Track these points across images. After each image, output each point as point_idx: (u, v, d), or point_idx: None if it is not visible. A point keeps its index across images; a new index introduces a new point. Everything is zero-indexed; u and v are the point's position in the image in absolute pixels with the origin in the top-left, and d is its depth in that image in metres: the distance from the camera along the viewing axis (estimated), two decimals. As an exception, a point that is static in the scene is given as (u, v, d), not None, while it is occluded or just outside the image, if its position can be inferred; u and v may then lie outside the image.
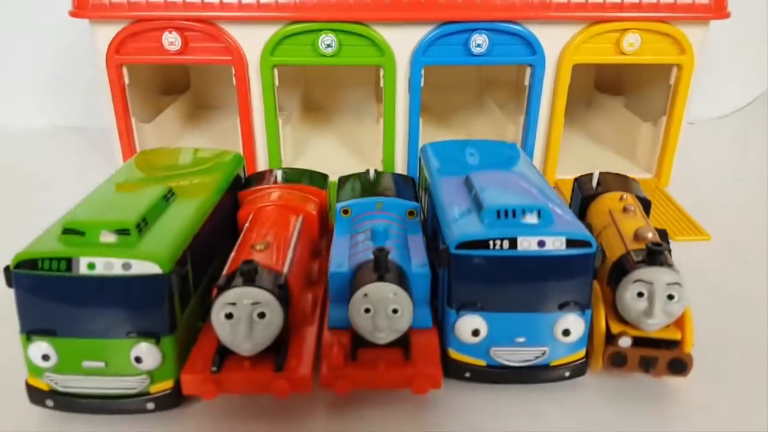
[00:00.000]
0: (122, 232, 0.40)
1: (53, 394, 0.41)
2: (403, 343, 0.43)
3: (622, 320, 0.45)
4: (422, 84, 0.73)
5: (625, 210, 0.52)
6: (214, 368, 0.41)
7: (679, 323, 0.44)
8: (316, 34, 0.69)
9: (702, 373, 0.46)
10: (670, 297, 0.43)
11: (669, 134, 0.77)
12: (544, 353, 0.44)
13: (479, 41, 0.70)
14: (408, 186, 0.58)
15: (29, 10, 1.00)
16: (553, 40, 0.72)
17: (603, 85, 0.98)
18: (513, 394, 0.45)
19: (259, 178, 0.59)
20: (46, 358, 0.40)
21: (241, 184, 0.59)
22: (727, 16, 0.71)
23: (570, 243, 0.42)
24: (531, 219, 0.44)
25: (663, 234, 0.51)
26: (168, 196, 0.47)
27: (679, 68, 0.73)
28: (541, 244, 0.42)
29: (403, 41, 0.71)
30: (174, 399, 0.42)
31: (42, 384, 0.41)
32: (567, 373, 0.45)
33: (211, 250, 0.49)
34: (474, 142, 0.64)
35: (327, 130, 0.93)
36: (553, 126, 0.76)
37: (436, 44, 0.71)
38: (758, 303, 0.56)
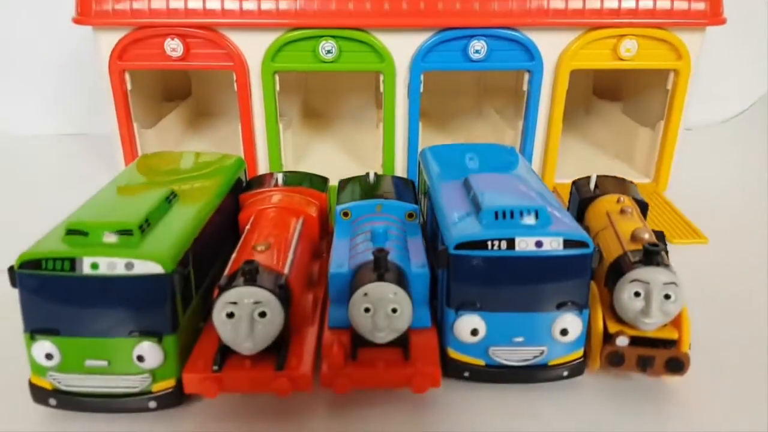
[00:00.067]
0: (125, 232, 0.41)
1: (56, 393, 0.42)
2: (402, 342, 0.43)
3: (620, 320, 0.45)
4: (422, 90, 0.73)
5: (622, 212, 0.53)
6: (216, 367, 0.41)
7: (676, 323, 0.45)
8: (317, 40, 0.70)
9: (699, 372, 0.46)
10: (667, 296, 0.43)
11: (666, 139, 0.78)
12: (542, 353, 0.45)
13: (478, 47, 0.71)
14: (407, 189, 0.58)
15: (33, 17, 1.01)
16: (551, 46, 0.73)
17: (601, 92, 0.99)
18: (511, 394, 0.45)
19: (260, 181, 0.60)
20: (49, 357, 0.41)
21: (242, 188, 0.59)
22: (722, 22, 0.72)
23: (567, 243, 0.43)
24: (529, 220, 0.44)
25: (660, 235, 0.51)
26: (170, 198, 0.48)
27: (676, 73, 0.74)
28: (539, 244, 0.43)
29: (402, 47, 0.72)
30: (176, 398, 0.42)
31: (45, 383, 0.42)
32: (565, 373, 0.46)
33: (213, 252, 0.50)
34: (473, 146, 0.64)
35: (327, 136, 0.94)
36: (552, 131, 0.77)
37: (435, 50, 0.71)
38: (755, 305, 0.57)
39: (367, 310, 0.41)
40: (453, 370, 0.45)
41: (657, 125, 0.79)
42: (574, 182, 0.61)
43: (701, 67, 0.76)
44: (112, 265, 0.39)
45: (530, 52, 0.72)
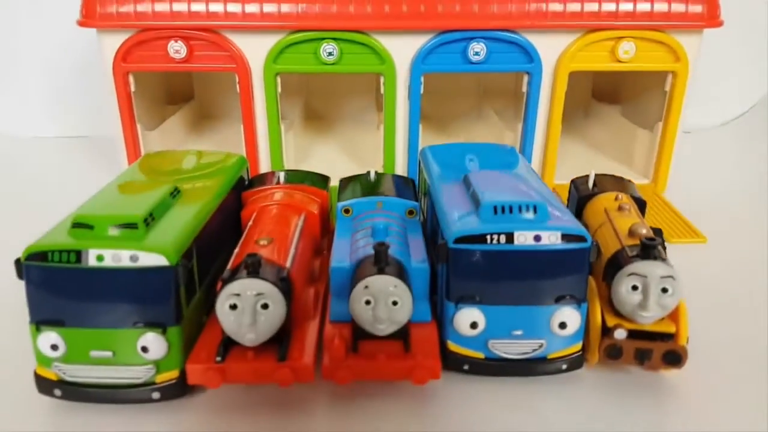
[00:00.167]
0: (130, 225, 0.42)
1: (61, 383, 0.42)
2: (402, 335, 0.44)
3: (618, 314, 0.46)
4: (422, 91, 0.74)
5: (620, 209, 0.53)
6: (219, 358, 0.42)
7: (674, 316, 0.45)
8: (318, 42, 0.71)
9: (697, 368, 0.47)
10: (664, 290, 0.44)
11: (665, 140, 0.79)
12: (541, 346, 0.45)
13: (477, 49, 0.72)
14: (408, 186, 0.59)
15: (37, 19, 1.02)
16: (550, 48, 0.73)
17: (600, 94, 1.00)
18: (511, 386, 0.46)
19: (262, 179, 0.61)
20: (54, 348, 0.41)
21: (244, 185, 0.60)
22: (719, 24, 0.73)
23: (565, 237, 0.44)
24: (527, 215, 0.45)
25: (657, 232, 0.52)
26: (174, 194, 0.48)
27: (674, 75, 0.75)
28: (537, 238, 0.43)
29: (402, 49, 0.72)
30: (179, 388, 0.43)
31: (50, 374, 0.42)
32: (564, 366, 0.46)
33: (216, 247, 0.51)
34: (473, 145, 0.65)
35: (328, 138, 0.95)
36: (551, 132, 0.78)
37: (435, 52, 0.72)
38: (753, 303, 0.57)
39: (368, 302, 0.42)
40: (453, 362, 0.46)
41: (655, 127, 0.80)
42: (572, 181, 0.61)
43: (701, 70, 0.77)
44: (117, 257, 0.40)
45: (529, 54, 0.73)
